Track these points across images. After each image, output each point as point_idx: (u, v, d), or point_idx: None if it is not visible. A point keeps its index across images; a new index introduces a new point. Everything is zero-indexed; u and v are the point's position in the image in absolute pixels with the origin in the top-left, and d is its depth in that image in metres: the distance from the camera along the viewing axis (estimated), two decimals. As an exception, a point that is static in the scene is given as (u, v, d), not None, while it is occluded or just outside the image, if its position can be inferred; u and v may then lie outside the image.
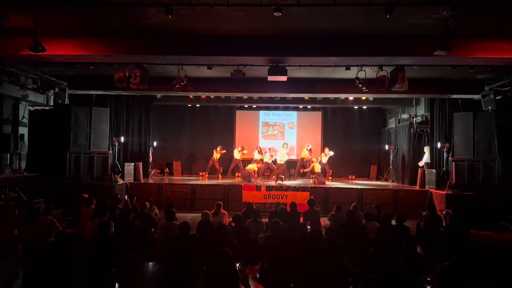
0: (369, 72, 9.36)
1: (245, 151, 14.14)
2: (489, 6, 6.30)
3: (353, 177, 15.38)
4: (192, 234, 5.55)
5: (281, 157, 13.39)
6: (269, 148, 15.13)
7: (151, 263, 6.57)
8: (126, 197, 8.96)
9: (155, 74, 10.30)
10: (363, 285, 3.71)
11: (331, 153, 13.90)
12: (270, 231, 5.41)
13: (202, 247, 5.35)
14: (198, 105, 15.62)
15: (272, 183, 12.57)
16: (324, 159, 13.81)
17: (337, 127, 16.52)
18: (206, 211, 7.08)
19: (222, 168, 14.65)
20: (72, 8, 6.59)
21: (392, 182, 14.08)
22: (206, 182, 13.02)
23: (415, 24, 7.14)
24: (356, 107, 15.42)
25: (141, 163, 13.13)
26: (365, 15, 6.82)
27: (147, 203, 8.14)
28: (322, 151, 14.61)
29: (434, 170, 11.88)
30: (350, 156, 15.96)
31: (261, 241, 6.03)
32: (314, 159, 13.38)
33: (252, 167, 13.51)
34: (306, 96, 13.34)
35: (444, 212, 9.38)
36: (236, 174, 14.73)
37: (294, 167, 14.89)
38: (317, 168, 13.13)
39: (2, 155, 10.45)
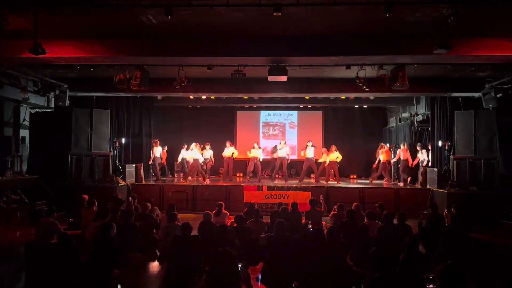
0: (370, 71, 9.35)
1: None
2: (489, 3, 6.29)
3: (354, 176, 15.36)
4: (193, 235, 5.55)
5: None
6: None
7: (153, 264, 6.58)
8: (130, 199, 8.95)
9: (155, 75, 10.31)
10: (365, 284, 3.70)
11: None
12: (275, 231, 5.40)
13: (204, 247, 5.35)
14: (198, 106, 15.62)
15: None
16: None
17: (338, 126, 16.51)
18: (207, 211, 7.08)
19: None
20: (72, 9, 6.60)
21: (394, 181, 14.06)
22: (208, 183, 13.00)
23: (415, 23, 7.13)
24: (356, 106, 15.39)
25: (142, 164, 13.14)
26: (364, 14, 6.82)
27: (149, 204, 8.15)
28: (322, 151, 14.55)
29: (435, 169, 11.87)
30: (351, 156, 15.93)
31: (263, 241, 6.03)
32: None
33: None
34: (306, 96, 13.33)
35: (445, 211, 9.37)
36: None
37: (294, 167, 14.88)
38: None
39: (4, 158, 10.46)
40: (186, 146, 14.12)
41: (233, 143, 15.48)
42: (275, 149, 14.07)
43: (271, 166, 14.42)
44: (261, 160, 13.52)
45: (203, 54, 8.31)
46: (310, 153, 13.19)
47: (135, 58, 8.71)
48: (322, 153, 13.94)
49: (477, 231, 8.36)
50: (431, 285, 3.82)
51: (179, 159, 14.28)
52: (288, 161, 13.57)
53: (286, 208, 7.69)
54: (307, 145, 13.27)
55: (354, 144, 16.13)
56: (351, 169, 15.79)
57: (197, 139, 14.32)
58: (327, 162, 13.36)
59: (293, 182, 12.71)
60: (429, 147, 12.87)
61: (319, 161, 13.72)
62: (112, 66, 9.50)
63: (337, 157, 13.33)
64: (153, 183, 13.00)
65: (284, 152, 13.32)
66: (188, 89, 10.58)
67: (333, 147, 13.45)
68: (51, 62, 8.84)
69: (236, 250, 5.42)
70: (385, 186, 12.64)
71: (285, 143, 13.73)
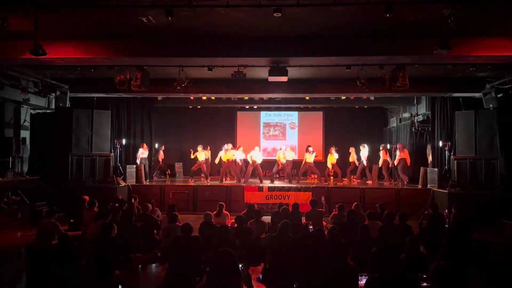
0: (370, 72, 9.35)
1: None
2: (489, 3, 6.30)
3: (355, 176, 15.33)
4: (194, 236, 5.55)
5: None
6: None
7: (154, 264, 6.58)
8: (132, 200, 8.95)
9: (156, 76, 10.32)
10: (365, 284, 3.71)
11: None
12: (279, 231, 5.39)
13: (205, 248, 5.35)
14: (199, 107, 15.63)
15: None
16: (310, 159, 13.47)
17: (338, 126, 16.50)
18: (208, 212, 7.07)
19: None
20: (72, 10, 6.61)
21: (394, 181, 14.04)
22: (208, 183, 13.02)
23: (415, 23, 7.14)
24: (357, 106, 15.40)
25: (142, 165, 13.15)
26: (365, 14, 6.82)
27: (149, 205, 8.15)
28: (324, 151, 14.57)
29: (436, 169, 11.87)
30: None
31: (264, 241, 6.02)
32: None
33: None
34: (307, 96, 13.33)
35: (446, 211, 9.36)
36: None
37: (294, 167, 14.85)
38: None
39: (4, 159, 10.47)
40: (234, 147, 14.01)
41: (234, 143, 15.48)
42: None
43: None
44: (253, 164, 13.28)
45: (203, 55, 8.32)
46: (310, 158, 13.32)
47: (136, 59, 8.73)
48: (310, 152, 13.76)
49: (477, 231, 8.36)
50: (425, 284, 3.83)
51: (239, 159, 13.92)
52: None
53: (287, 208, 7.69)
54: (308, 150, 13.37)
55: (355, 144, 16.06)
56: (351, 169, 15.73)
57: (197, 139, 14.35)
58: (304, 162, 13.46)
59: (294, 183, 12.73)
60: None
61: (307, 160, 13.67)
62: (112, 67, 9.51)
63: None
64: (154, 183, 13.01)
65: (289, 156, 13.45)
66: (188, 89, 10.59)
67: (332, 149, 13.54)
68: (52, 63, 8.85)
69: (237, 250, 5.41)
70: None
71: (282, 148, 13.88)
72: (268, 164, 14.76)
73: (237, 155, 13.65)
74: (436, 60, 8.54)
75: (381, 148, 13.62)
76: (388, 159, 13.28)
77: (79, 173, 11.65)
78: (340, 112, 16.39)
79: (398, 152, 12.93)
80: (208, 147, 14.39)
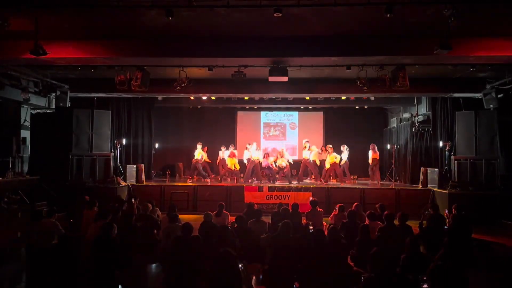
0: (370, 72, 9.35)
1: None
2: (489, 3, 6.30)
3: (355, 177, 15.32)
4: (194, 236, 5.55)
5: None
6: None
7: (154, 264, 6.58)
8: (132, 200, 8.95)
9: (156, 76, 10.32)
10: (362, 284, 3.71)
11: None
12: (280, 231, 5.39)
13: (205, 248, 5.35)
14: (199, 107, 15.63)
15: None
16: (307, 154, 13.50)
17: (338, 127, 16.48)
18: (208, 212, 7.07)
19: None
20: (72, 11, 6.61)
21: (395, 181, 14.05)
22: (208, 183, 13.02)
23: (416, 23, 7.14)
24: (357, 106, 15.39)
25: (143, 165, 13.15)
26: (365, 15, 6.82)
27: (150, 205, 8.15)
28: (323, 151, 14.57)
29: (436, 169, 11.87)
30: (352, 156, 15.89)
31: (265, 241, 6.02)
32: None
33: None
34: (307, 96, 13.34)
35: (446, 211, 9.35)
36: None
37: (296, 168, 14.86)
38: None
39: (5, 159, 10.47)
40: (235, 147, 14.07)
41: (234, 143, 15.46)
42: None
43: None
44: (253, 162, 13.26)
45: (203, 55, 8.32)
46: (306, 154, 13.35)
47: (136, 59, 8.74)
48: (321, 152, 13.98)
49: (477, 231, 8.35)
50: (425, 285, 3.82)
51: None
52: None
53: (287, 208, 7.68)
54: (304, 146, 13.41)
55: (355, 144, 16.05)
56: (352, 169, 15.73)
57: (197, 139, 14.34)
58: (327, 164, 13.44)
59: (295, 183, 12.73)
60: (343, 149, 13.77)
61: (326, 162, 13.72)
62: (112, 67, 9.52)
63: (336, 158, 13.41)
64: (154, 183, 13.00)
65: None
66: (188, 89, 10.58)
67: (330, 149, 13.54)
68: (52, 63, 8.86)
69: (237, 250, 5.41)
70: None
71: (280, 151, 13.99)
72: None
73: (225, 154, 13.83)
74: (436, 60, 8.54)
75: (341, 148, 13.85)
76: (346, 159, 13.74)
77: (79, 173, 11.66)
78: (340, 112, 16.37)
79: (370, 152, 13.55)
80: (223, 146, 14.33)
